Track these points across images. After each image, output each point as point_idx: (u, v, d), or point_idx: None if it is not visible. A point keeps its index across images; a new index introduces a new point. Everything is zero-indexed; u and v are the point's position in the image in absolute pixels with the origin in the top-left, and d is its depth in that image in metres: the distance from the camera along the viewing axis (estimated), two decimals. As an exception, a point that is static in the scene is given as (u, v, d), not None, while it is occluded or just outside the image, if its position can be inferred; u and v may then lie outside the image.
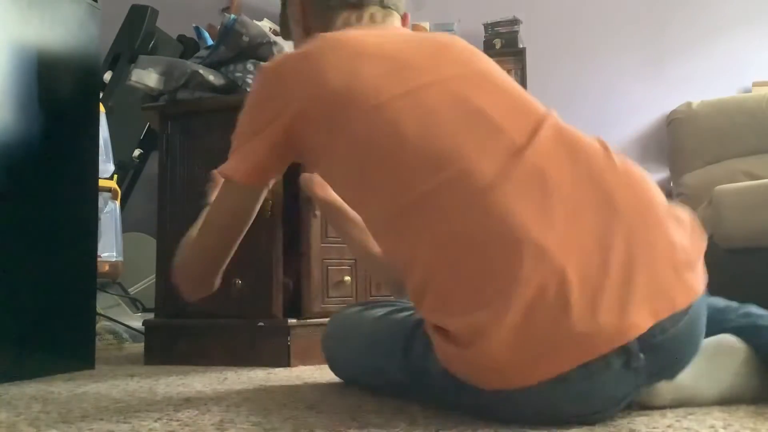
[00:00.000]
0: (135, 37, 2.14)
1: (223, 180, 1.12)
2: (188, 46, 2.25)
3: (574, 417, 0.90)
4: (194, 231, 1.18)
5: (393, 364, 1.06)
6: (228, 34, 1.84)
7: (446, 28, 4.94)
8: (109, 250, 2.54)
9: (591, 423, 0.90)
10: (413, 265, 0.92)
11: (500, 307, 0.84)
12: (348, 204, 1.13)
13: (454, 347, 0.89)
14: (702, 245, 0.95)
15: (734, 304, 1.14)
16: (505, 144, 0.92)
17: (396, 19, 1.22)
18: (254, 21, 1.90)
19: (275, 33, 2.10)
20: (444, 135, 0.94)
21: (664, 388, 0.98)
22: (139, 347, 2.08)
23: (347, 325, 1.27)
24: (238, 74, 1.83)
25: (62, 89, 1.66)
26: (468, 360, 0.88)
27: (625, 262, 0.86)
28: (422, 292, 0.92)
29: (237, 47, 1.84)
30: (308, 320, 1.74)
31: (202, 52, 1.97)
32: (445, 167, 0.91)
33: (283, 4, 1.30)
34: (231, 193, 1.11)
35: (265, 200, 1.42)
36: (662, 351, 0.88)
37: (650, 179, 0.97)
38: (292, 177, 1.46)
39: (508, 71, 4.80)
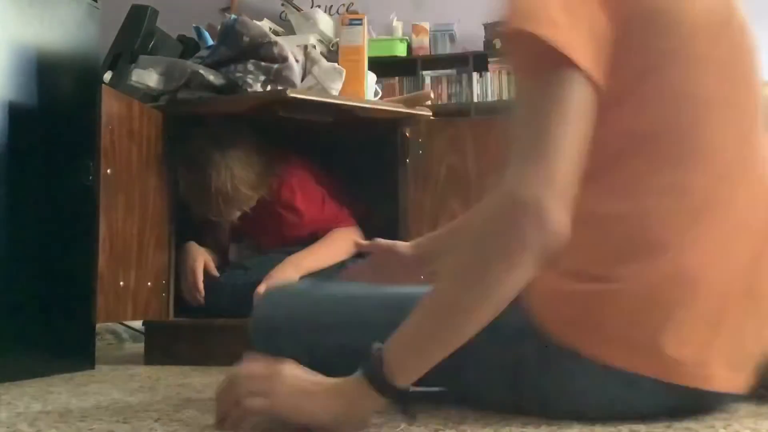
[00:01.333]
0: (135, 37, 2.13)
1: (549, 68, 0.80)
2: (188, 46, 2.24)
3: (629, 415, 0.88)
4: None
5: None
6: (228, 34, 1.84)
7: (446, 28, 4.94)
8: (109, 250, 2.54)
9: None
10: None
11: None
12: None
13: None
14: None
15: None
16: None
17: None
18: (254, 21, 1.90)
19: (275, 33, 2.10)
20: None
21: None
22: (139, 347, 2.08)
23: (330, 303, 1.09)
24: (239, 74, 1.83)
25: (62, 89, 1.66)
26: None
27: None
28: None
29: (237, 47, 1.84)
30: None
31: (203, 52, 1.97)
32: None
33: None
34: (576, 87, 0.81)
35: None
36: None
37: None
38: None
39: (507, 72, 4.80)
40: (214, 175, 1.80)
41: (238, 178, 1.82)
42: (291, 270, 1.82)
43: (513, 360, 0.90)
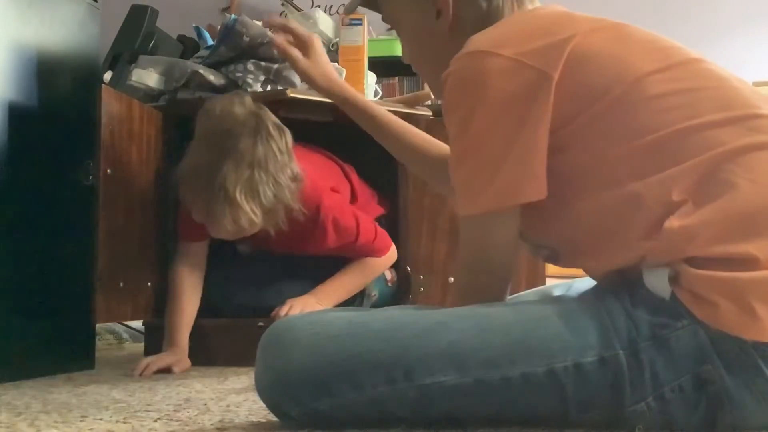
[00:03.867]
0: (135, 37, 2.13)
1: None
2: (188, 46, 2.24)
3: None
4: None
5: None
6: (228, 34, 1.84)
7: (446, 28, 4.93)
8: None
9: None
10: None
11: None
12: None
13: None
14: None
15: None
16: None
17: None
18: (254, 21, 1.90)
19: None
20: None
21: None
22: (139, 347, 2.08)
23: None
24: (239, 74, 1.83)
25: (62, 89, 1.66)
26: None
27: None
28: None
29: (237, 47, 1.84)
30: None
31: (203, 52, 1.97)
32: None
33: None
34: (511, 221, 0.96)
35: None
36: None
37: None
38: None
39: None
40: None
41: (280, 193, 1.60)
42: (324, 300, 1.70)
43: (694, 383, 0.84)
